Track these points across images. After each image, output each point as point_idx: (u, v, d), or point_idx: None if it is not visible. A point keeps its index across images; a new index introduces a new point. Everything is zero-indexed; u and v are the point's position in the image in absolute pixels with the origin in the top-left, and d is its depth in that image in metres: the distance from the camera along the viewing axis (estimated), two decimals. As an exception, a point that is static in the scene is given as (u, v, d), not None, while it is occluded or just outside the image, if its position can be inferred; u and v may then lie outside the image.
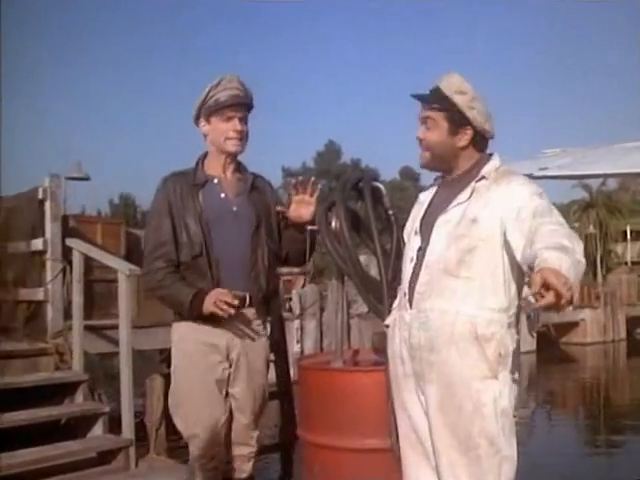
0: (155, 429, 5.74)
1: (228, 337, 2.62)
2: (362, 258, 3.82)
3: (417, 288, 2.25)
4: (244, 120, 2.72)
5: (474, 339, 2.12)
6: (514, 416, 2.15)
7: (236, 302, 2.48)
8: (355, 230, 2.68)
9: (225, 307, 2.48)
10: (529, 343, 19.13)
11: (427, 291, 2.22)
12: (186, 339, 2.64)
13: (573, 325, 23.95)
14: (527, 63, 79.57)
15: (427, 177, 2.46)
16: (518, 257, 2.03)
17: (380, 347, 2.53)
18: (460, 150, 2.29)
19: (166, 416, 5.64)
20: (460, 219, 2.19)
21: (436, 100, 2.30)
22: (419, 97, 2.34)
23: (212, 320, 2.57)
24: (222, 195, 2.70)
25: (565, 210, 36.20)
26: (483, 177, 2.23)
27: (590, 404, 13.47)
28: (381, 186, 2.76)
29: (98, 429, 4.95)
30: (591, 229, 32.32)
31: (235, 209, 2.69)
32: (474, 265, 2.15)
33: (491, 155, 2.33)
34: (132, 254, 8.38)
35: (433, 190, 2.40)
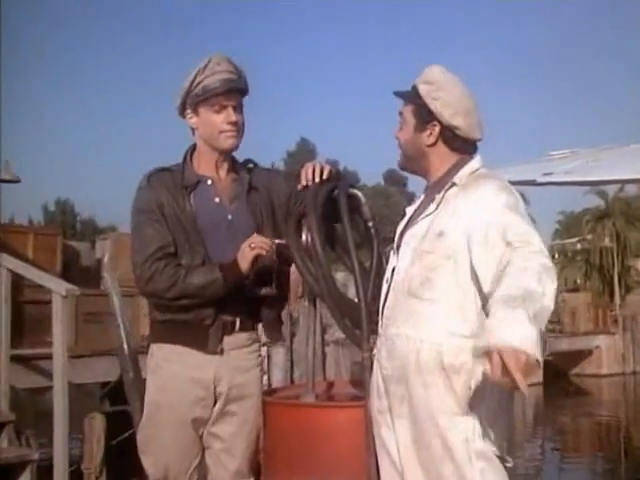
0: (95, 477, 5.71)
1: (215, 368, 2.64)
2: (340, 276, 3.85)
3: (384, 312, 2.33)
4: (239, 108, 2.72)
5: (440, 370, 2.15)
6: (504, 460, 2.17)
7: (273, 241, 2.62)
8: (330, 244, 2.71)
9: (265, 245, 2.58)
10: (534, 374, 19.27)
11: (393, 315, 2.28)
12: (165, 372, 2.66)
13: (586, 354, 24.06)
14: (531, 55, 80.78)
15: (415, 182, 2.53)
16: (486, 289, 2.07)
17: (360, 379, 2.55)
18: (428, 149, 2.35)
19: (107, 461, 5.61)
20: (426, 233, 2.26)
21: (406, 93, 2.39)
22: (397, 93, 2.44)
23: (199, 346, 2.62)
24: (216, 200, 2.71)
25: (577, 220, 36.58)
26: (453, 184, 2.28)
27: (608, 444, 13.58)
28: (359, 193, 2.79)
29: (25, 479, 4.91)
30: (607, 242, 32.56)
31: (230, 217, 2.70)
32: (439, 285, 2.19)
33: (473, 158, 2.37)
34: (70, 270, 8.36)
35: (417, 202, 2.46)
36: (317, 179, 2.68)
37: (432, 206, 2.29)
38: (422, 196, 2.46)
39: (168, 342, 2.66)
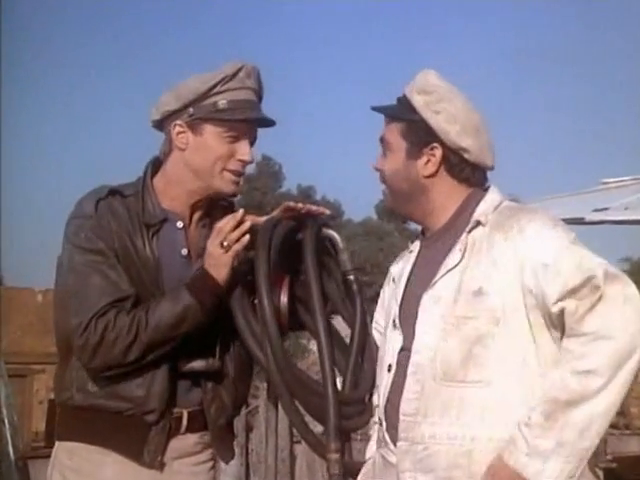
0: None
1: None
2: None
3: (403, 408, 2.29)
4: (253, 145, 2.71)
5: None
6: None
7: (248, 223, 2.52)
8: (292, 303, 2.66)
9: (242, 234, 2.49)
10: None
11: (421, 410, 2.25)
12: None
13: (666, 458, 23.77)
14: (580, 59, 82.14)
15: None
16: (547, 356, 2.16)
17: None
18: (428, 181, 2.35)
19: None
20: (456, 293, 2.25)
21: (391, 108, 2.40)
22: (376, 108, 2.44)
23: (131, 453, 2.55)
24: (183, 251, 2.68)
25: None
26: (478, 223, 2.28)
27: None
28: (336, 235, 2.76)
29: None
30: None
31: None
32: (489, 362, 2.20)
33: (486, 190, 2.39)
34: None
35: (411, 258, 2.45)
36: (313, 211, 2.68)
37: (455, 256, 2.28)
38: (413, 249, 2.47)
39: (85, 441, 2.60)
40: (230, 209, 2.81)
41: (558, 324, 2.18)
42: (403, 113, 2.35)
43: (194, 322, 2.53)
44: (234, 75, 2.63)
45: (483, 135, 2.34)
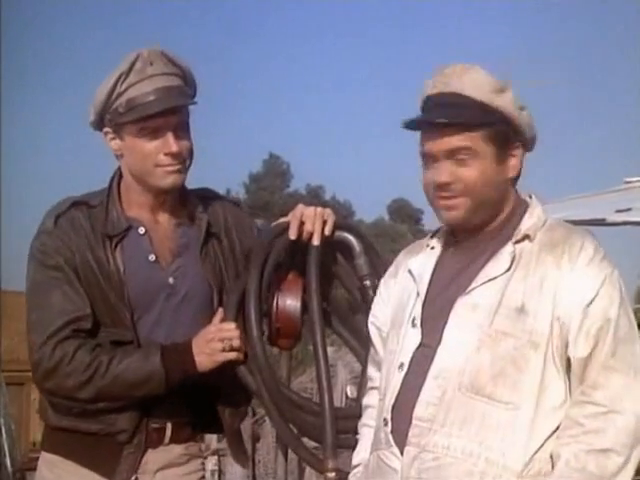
0: None
1: None
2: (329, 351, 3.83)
3: (417, 411, 2.24)
4: (182, 129, 2.66)
5: None
6: None
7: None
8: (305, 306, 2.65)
9: (236, 343, 2.50)
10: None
11: (438, 417, 2.21)
12: None
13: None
14: (600, 50, 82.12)
15: (432, 217, 2.46)
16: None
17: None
18: (509, 185, 2.33)
19: None
20: (497, 305, 2.21)
21: (470, 114, 2.27)
22: (423, 121, 2.32)
23: (105, 471, 2.56)
24: (151, 257, 2.65)
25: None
26: (527, 237, 2.26)
27: None
28: (352, 239, 2.75)
29: None
30: None
31: (171, 281, 2.65)
32: (522, 385, 2.16)
33: (525, 199, 2.36)
34: None
35: (433, 256, 2.42)
36: (317, 230, 2.63)
37: (496, 266, 2.25)
38: (435, 246, 2.43)
39: (64, 456, 2.63)
40: (215, 203, 2.81)
41: (568, 375, 2.18)
42: (481, 117, 2.25)
43: (154, 389, 2.54)
44: (130, 70, 2.59)
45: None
